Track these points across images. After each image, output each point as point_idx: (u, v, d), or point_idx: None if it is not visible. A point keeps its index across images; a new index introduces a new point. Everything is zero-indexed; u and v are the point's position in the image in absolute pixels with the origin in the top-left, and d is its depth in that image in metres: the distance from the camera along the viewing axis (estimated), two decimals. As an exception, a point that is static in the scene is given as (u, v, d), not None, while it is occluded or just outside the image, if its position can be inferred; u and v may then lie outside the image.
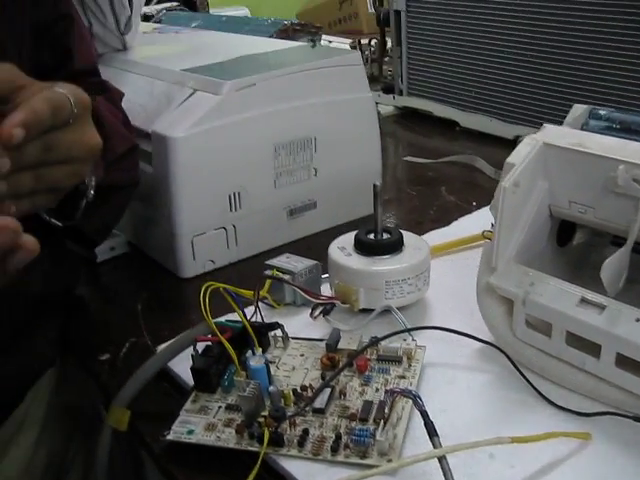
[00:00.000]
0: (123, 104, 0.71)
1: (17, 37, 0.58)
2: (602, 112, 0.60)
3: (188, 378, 0.54)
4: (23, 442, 0.65)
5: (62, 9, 0.65)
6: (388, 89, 1.35)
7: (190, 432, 0.49)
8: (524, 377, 0.52)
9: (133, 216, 0.80)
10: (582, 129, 0.59)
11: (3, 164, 0.41)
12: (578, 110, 0.61)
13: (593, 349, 0.50)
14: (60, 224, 0.56)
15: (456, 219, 0.83)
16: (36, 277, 0.62)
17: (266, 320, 0.58)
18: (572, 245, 0.63)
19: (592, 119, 0.60)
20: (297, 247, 0.78)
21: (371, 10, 2.40)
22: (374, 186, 0.60)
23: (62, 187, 0.49)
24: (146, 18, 1.45)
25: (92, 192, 0.56)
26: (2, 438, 0.63)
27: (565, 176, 0.55)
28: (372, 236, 0.62)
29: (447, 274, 0.69)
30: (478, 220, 0.75)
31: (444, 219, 0.84)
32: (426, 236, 0.75)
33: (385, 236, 0.62)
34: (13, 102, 0.44)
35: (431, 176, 1.01)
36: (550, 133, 0.57)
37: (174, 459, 0.50)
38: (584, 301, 0.50)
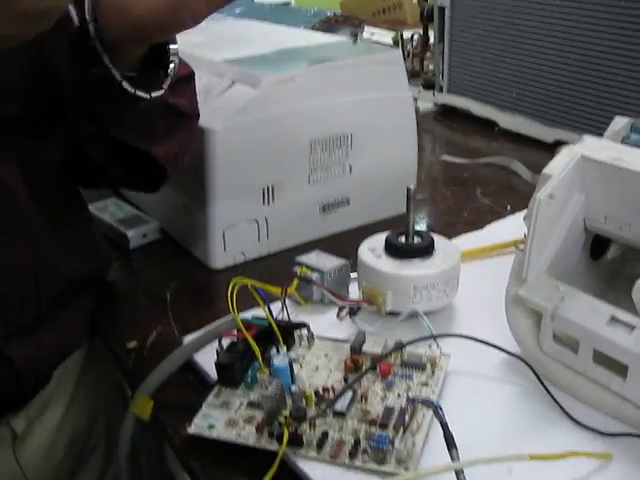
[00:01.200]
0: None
1: None
2: (644, 126, 0.59)
3: (212, 371, 0.55)
4: (48, 422, 0.67)
5: None
6: (428, 85, 1.34)
7: (211, 427, 0.49)
8: (548, 392, 0.52)
9: (167, 204, 0.81)
10: (622, 142, 0.59)
11: None
12: (619, 123, 0.60)
13: (620, 369, 0.49)
14: (146, 95, 0.56)
15: (489, 223, 0.82)
16: (65, 260, 0.63)
17: (292, 317, 0.58)
18: (606, 259, 0.62)
19: (633, 133, 0.59)
20: (328, 243, 0.78)
21: (415, 1, 2.38)
22: (408, 190, 0.59)
23: None
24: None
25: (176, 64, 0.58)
26: (28, 417, 0.64)
27: (602, 191, 0.54)
28: (403, 239, 0.61)
29: (477, 280, 0.68)
30: (512, 225, 0.75)
31: (477, 222, 0.83)
32: (458, 239, 0.75)
33: (416, 240, 0.61)
34: None
35: (467, 177, 1.00)
36: (589, 145, 0.56)
37: (193, 452, 0.50)
38: (614, 320, 0.50)
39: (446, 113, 1.31)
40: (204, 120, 0.70)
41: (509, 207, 0.88)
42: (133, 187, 0.77)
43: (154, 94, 0.56)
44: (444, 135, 1.25)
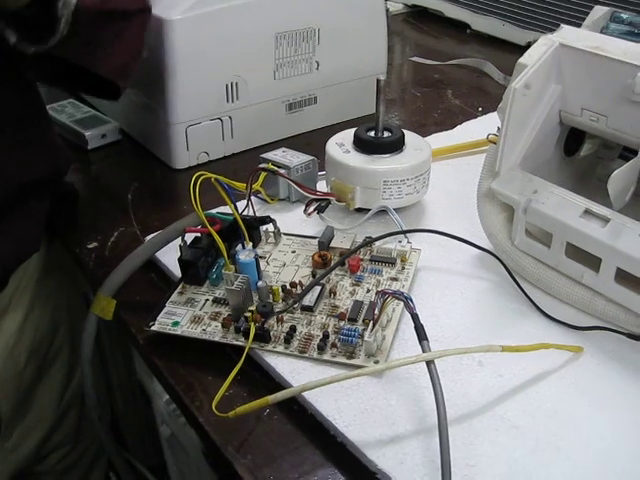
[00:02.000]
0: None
1: None
2: (624, 16, 0.57)
3: (176, 270, 0.53)
4: (7, 328, 0.65)
5: None
6: (399, -15, 1.30)
7: (175, 324, 0.48)
8: (519, 287, 0.51)
9: (126, 103, 0.77)
10: (602, 32, 0.56)
11: None
12: (598, 12, 0.57)
13: (593, 262, 0.48)
14: (29, 49, 0.49)
15: (460, 123, 0.80)
16: (17, 162, 0.59)
17: (258, 215, 0.56)
18: (579, 156, 0.60)
19: (613, 22, 0.57)
20: (294, 143, 0.75)
21: None
22: (377, 81, 0.57)
23: None
24: None
25: (71, 9, 0.49)
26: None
27: (579, 81, 0.52)
28: (372, 134, 0.59)
29: (447, 178, 0.67)
30: (483, 125, 0.72)
31: (448, 122, 0.81)
32: (428, 139, 0.73)
33: (386, 134, 0.59)
34: None
35: (438, 78, 0.98)
36: (567, 34, 0.54)
37: (158, 350, 0.49)
38: (588, 212, 0.48)
39: (416, 15, 1.27)
40: (161, 10, 0.66)
41: (481, 108, 0.86)
42: (91, 95, 0.72)
43: (38, 48, 0.49)
44: (414, 37, 1.21)
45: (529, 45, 0.54)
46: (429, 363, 0.40)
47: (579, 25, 0.58)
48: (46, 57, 0.55)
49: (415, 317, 0.42)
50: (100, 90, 0.63)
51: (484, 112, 0.84)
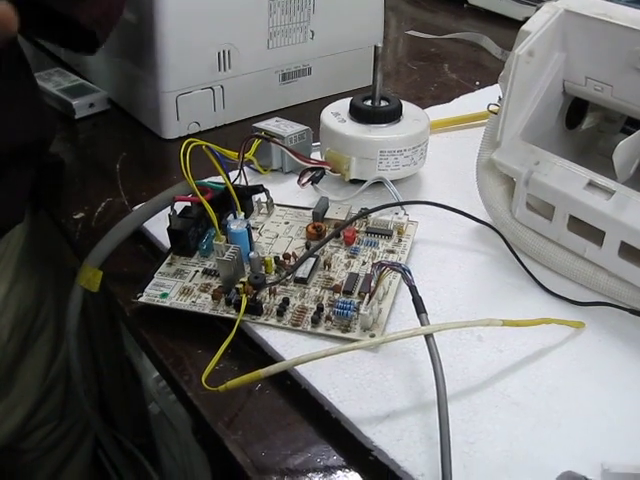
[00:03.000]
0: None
1: None
2: (630, -17, 0.55)
3: (165, 241, 0.51)
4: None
5: None
6: (394, -42, 1.27)
7: (164, 295, 0.46)
8: (519, 261, 0.50)
9: (115, 71, 0.75)
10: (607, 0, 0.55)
11: None
12: (604, -21, 0.55)
13: (596, 236, 0.47)
14: None
15: (457, 97, 0.78)
16: None
17: (251, 185, 0.55)
18: (580, 129, 0.59)
19: (618, -10, 0.55)
20: (288, 114, 0.73)
21: None
22: (375, 48, 0.55)
23: None
24: None
25: None
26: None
27: (585, 48, 0.50)
28: (369, 103, 0.57)
29: (445, 151, 0.65)
30: (480, 99, 0.71)
31: (445, 96, 0.79)
32: (425, 112, 0.71)
33: (383, 103, 0.57)
34: None
35: (434, 52, 0.96)
36: (572, 1, 0.52)
37: (145, 323, 0.47)
38: (592, 185, 0.47)
39: (412, -11, 1.25)
40: (152, -28, 0.64)
41: (478, 82, 0.84)
42: (67, 47, 0.66)
43: None
44: (410, 11, 1.19)
45: (526, 20, 0.52)
46: (428, 337, 0.38)
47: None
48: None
49: (413, 289, 0.40)
50: (77, 42, 0.60)
51: (481, 86, 0.83)
